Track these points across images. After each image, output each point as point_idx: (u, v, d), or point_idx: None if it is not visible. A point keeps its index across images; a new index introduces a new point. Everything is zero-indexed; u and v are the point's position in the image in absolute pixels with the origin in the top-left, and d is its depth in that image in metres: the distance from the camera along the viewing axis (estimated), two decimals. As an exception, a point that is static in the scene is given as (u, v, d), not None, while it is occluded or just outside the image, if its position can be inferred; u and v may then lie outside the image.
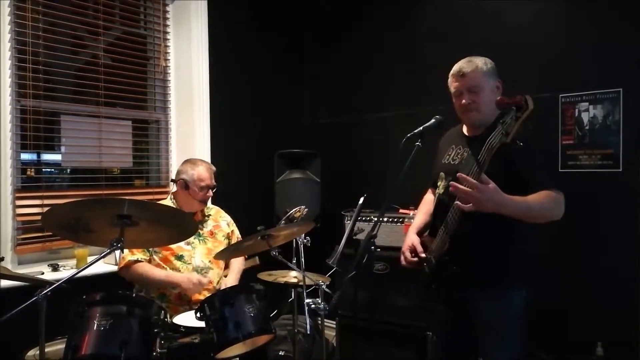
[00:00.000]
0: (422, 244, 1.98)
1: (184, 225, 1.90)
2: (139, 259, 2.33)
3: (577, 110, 2.75)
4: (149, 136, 3.40)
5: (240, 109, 3.65)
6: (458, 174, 1.62)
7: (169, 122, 3.40)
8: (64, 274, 2.62)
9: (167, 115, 3.39)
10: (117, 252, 1.75)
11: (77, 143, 3.04)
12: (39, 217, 2.54)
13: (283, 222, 2.57)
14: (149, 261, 2.37)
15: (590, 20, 2.72)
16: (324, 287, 2.26)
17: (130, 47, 3.19)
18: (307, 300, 2.31)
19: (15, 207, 2.64)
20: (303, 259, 2.44)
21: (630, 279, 2.55)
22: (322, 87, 4.05)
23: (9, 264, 2.56)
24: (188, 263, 2.41)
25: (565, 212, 1.74)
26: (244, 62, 3.65)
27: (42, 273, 2.60)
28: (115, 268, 2.48)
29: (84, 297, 1.67)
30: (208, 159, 3.27)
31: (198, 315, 1.85)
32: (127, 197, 2.02)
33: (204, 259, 2.45)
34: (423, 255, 1.94)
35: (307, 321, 2.37)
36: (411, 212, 2.94)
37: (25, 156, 2.76)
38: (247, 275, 2.67)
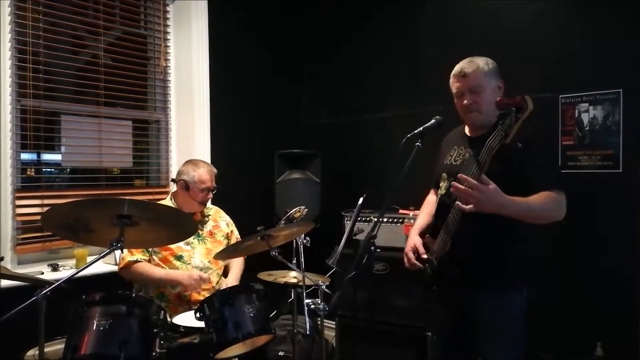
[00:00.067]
0: (424, 245, 1.98)
1: (184, 225, 1.90)
2: (139, 259, 2.33)
3: (577, 110, 2.75)
4: (149, 136, 3.40)
5: (240, 109, 3.65)
6: (459, 175, 1.62)
7: (169, 122, 3.40)
8: (64, 273, 2.62)
9: (167, 115, 3.40)
10: (117, 252, 1.75)
11: (77, 143, 3.04)
12: (38, 217, 2.54)
13: (283, 222, 2.56)
14: (149, 261, 2.37)
15: (590, 20, 2.72)
16: (323, 287, 2.26)
17: (131, 47, 3.19)
18: (306, 301, 2.31)
19: (15, 207, 2.64)
20: (303, 259, 2.44)
21: (630, 279, 2.55)
22: (322, 87, 4.05)
23: (8, 264, 2.56)
24: (187, 263, 2.41)
25: (566, 212, 1.74)
26: (244, 62, 3.65)
27: (42, 273, 2.60)
28: (114, 268, 2.48)
29: (84, 297, 1.67)
30: (208, 159, 3.27)
31: (197, 315, 1.85)
32: (127, 197, 2.02)
33: (203, 259, 2.45)
34: (425, 256, 1.94)
35: (307, 321, 2.37)
36: (411, 213, 2.94)
37: (25, 156, 2.76)
38: (247, 275, 2.67)
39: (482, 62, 1.86)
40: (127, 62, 3.16)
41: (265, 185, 3.53)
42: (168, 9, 3.38)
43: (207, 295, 2.04)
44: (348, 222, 3.16)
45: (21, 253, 2.68)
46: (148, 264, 2.35)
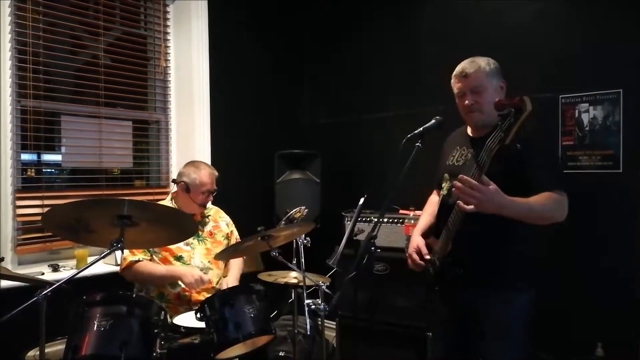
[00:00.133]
0: (427, 245, 1.98)
1: (184, 225, 1.90)
2: (140, 259, 2.33)
3: (577, 111, 2.75)
4: (149, 136, 3.40)
5: (240, 109, 3.65)
6: (460, 176, 1.62)
7: (169, 122, 3.40)
8: (64, 274, 2.62)
9: (167, 115, 3.40)
10: (117, 252, 1.75)
11: (77, 143, 3.04)
12: (39, 218, 2.55)
13: (283, 222, 2.56)
14: (150, 261, 2.37)
15: (590, 20, 2.72)
16: (324, 287, 2.26)
17: (131, 47, 3.19)
18: (307, 301, 2.31)
19: (16, 207, 2.65)
20: (303, 260, 2.44)
21: (630, 279, 2.55)
22: (322, 87, 4.05)
23: (9, 264, 2.57)
24: (187, 264, 2.41)
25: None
26: (244, 62, 3.65)
27: (42, 273, 2.61)
28: (115, 268, 2.48)
29: (84, 297, 1.67)
30: (208, 159, 3.27)
31: (198, 315, 1.85)
32: (127, 198, 2.02)
33: (203, 260, 2.45)
34: (428, 257, 1.94)
35: (307, 322, 2.37)
36: (411, 213, 2.94)
37: (25, 156, 2.77)
38: (248, 276, 2.67)
39: (483, 62, 1.86)
40: (127, 63, 3.16)
41: (266, 186, 3.53)
42: (168, 9, 3.38)
43: (208, 296, 2.04)
44: (348, 222, 3.16)
45: (22, 253, 2.68)
46: (150, 262, 2.35)
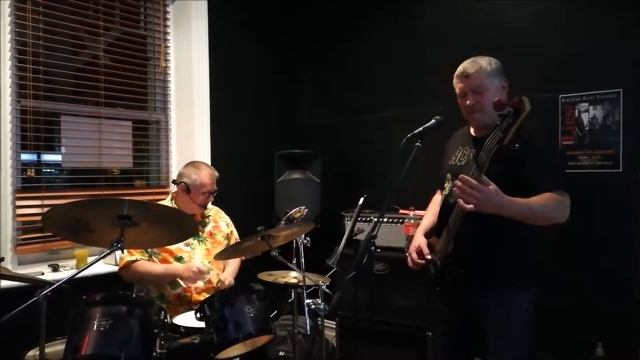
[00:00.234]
0: (429, 245, 1.98)
1: (184, 225, 1.90)
2: (138, 259, 2.33)
3: (577, 110, 2.75)
4: (149, 136, 3.40)
5: (240, 109, 3.65)
6: (460, 176, 1.62)
7: (169, 122, 3.40)
8: (64, 274, 2.62)
9: (167, 115, 3.40)
10: (117, 252, 1.75)
11: (77, 144, 3.04)
12: (39, 218, 2.55)
13: (283, 222, 2.56)
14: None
15: (590, 20, 2.72)
16: (324, 287, 2.26)
17: (130, 47, 3.19)
18: (307, 301, 2.31)
19: (16, 207, 2.64)
20: (303, 260, 2.45)
21: (630, 279, 2.55)
22: (322, 87, 4.05)
23: (9, 264, 2.56)
24: (188, 264, 2.41)
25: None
26: (244, 62, 3.65)
27: (42, 273, 2.61)
28: (115, 268, 2.48)
29: (84, 297, 1.67)
30: (208, 159, 3.27)
31: (198, 315, 1.85)
32: (127, 198, 2.02)
33: (203, 260, 2.45)
34: (429, 256, 1.94)
35: (307, 321, 2.37)
36: (411, 213, 2.94)
37: (25, 156, 2.76)
38: (247, 275, 2.67)
39: (484, 62, 1.86)
40: (127, 63, 3.16)
41: (265, 186, 3.53)
42: (168, 9, 3.38)
43: (208, 296, 2.04)
44: (348, 222, 3.16)
45: (21, 253, 2.68)
46: (147, 262, 2.35)
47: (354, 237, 2.85)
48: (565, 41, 2.79)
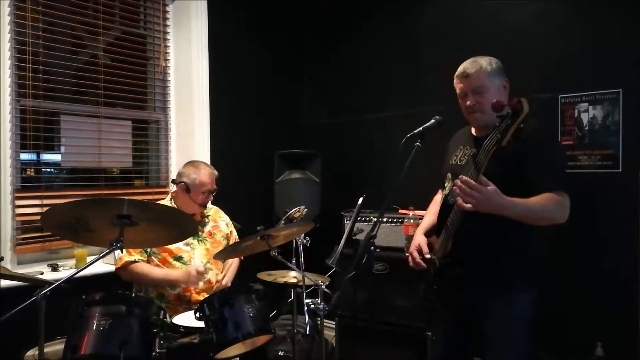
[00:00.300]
0: (429, 244, 1.98)
1: (184, 225, 1.90)
2: (137, 260, 2.33)
3: (576, 110, 2.75)
4: (148, 136, 3.39)
5: (240, 109, 3.65)
6: (459, 177, 1.62)
7: (168, 122, 3.40)
8: (64, 273, 2.62)
9: (167, 115, 3.39)
10: (117, 252, 1.75)
11: (76, 143, 3.03)
12: (38, 217, 2.54)
13: (283, 222, 2.56)
14: (147, 262, 2.37)
15: (590, 20, 2.72)
16: (323, 287, 2.26)
17: (130, 47, 3.19)
18: (306, 301, 2.30)
19: (15, 207, 2.64)
20: (302, 259, 2.44)
21: (630, 279, 2.55)
22: (322, 87, 4.05)
23: (8, 264, 2.56)
24: (187, 264, 2.40)
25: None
26: (243, 62, 3.65)
27: (42, 273, 2.60)
28: (114, 268, 2.47)
29: (84, 297, 1.67)
30: (208, 159, 3.26)
31: (197, 315, 1.84)
32: (126, 197, 2.01)
33: (203, 260, 2.45)
34: (428, 256, 1.94)
35: (307, 321, 2.37)
36: (411, 213, 2.94)
37: (24, 156, 2.76)
38: (247, 275, 2.67)
39: (485, 62, 1.85)
40: (127, 62, 3.16)
41: (265, 185, 3.53)
42: (167, 8, 3.38)
43: (207, 296, 2.04)
44: (348, 222, 3.16)
45: (21, 253, 2.67)
46: (146, 264, 2.34)
47: (354, 237, 2.85)
48: (565, 41, 2.79)
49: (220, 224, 2.62)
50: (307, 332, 2.46)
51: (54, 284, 1.54)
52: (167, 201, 2.51)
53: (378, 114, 3.64)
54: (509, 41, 2.93)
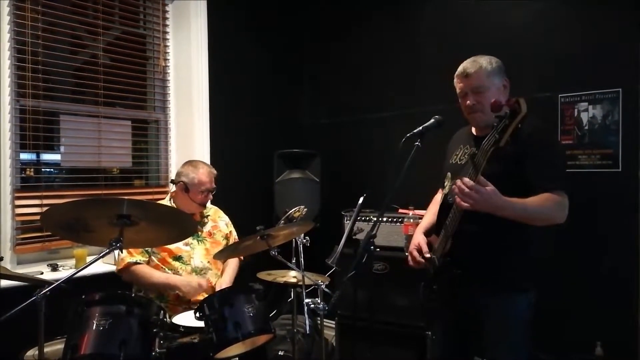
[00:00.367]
0: (428, 244, 1.98)
1: (184, 225, 1.90)
2: (138, 261, 2.33)
3: (576, 110, 2.75)
4: (148, 136, 3.39)
5: (240, 109, 3.65)
6: (459, 177, 1.62)
7: (168, 122, 3.40)
8: (63, 273, 2.61)
9: (167, 115, 3.39)
10: (116, 251, 1.75)
11: (76, 143, 3.03)
12: (38, 217, 2.54)
13: (282, 222, 2.56)
14: (148, 262, 2.36)
15: (590, 20, 2.72)
16: (323, 287, 2.26)
17: (130, 47, 3.19)
18: (306, 300, 2.30)
19: (15, 207, 2.64)
20: (302, 259, 2.44)
21: (630, 279, 2.55)
22: (322, 87, 4.05)
23: (8, 264, 2.56)
24: (187, 264, 2.40)
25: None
26: (243, 62, 3.65)
27: (41, 273, 2.60)
28: (114, 268, 2.47)
29: (83, 296, 1.66)
30: (208, 159, 3.26)
31: (197, 315, 1.84)
32: (126, 197, 2.01)
33: (202, 260, 2.45)
34: (428, 255, 1.94)
35: (307, 321, 2.36)
36: (410, 212, 2.94)
37: (24, 156, 2.76)
38: (247, 275, 2.67)
39: (485, 62, 1.85)
40: (127, 62, 3.16)
41: (265, 185, 3.53)
42: (167, 8, 3.37)
43: (207, 295, 2.04)
44: (348, 221, 3.16)
45: (21, 253, 2.67)
46: (147, 267, 2.34)
47: (354, 237, 2.85)
48: (564, 41, 2.79)
49: (219, 223, 2.62)
50: (307, 332, 2.46)
51: (53, 284, 1.54)
52: (166, 201, 2.51)
53: (378, 114, 3.64)
54: (509, 41, 2.92)
